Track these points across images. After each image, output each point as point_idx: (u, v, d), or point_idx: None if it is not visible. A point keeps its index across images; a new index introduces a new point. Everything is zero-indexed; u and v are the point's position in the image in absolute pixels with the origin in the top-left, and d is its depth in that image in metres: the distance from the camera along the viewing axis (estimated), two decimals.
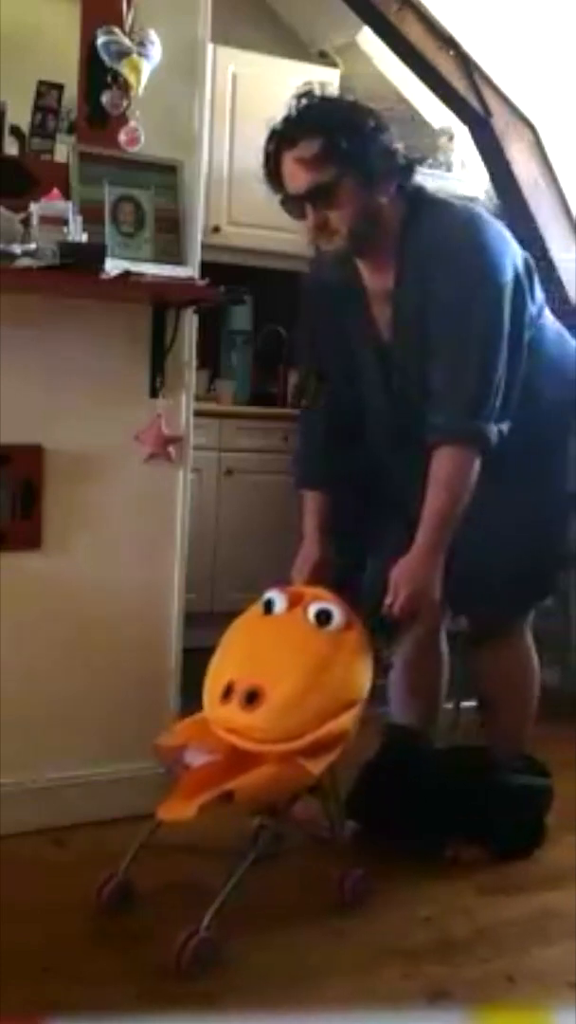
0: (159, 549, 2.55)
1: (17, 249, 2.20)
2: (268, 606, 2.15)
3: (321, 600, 2.12)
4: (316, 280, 2.44)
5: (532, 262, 2.32)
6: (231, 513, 3.92)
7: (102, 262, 2.23)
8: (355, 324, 2.35)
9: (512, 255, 2.23)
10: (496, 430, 2.17)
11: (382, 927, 2.11)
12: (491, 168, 4.10)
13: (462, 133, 4.37)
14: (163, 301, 2.44)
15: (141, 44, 2.37)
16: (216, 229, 4.01)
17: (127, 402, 2.48)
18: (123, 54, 2.35)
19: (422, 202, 2.25)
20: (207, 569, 3.69)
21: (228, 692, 2.02)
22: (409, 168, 2.23)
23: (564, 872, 2.39)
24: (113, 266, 2.26)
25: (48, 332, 2.38)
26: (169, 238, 2.46)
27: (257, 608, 2.18)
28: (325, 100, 2.19)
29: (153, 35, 2.39)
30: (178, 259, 2.46)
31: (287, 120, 2.17)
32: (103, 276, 2.23)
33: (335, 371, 2.41)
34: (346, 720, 2.00)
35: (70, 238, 2.23)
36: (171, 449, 2.50)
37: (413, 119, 4.71)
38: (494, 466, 2.19)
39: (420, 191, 2.27)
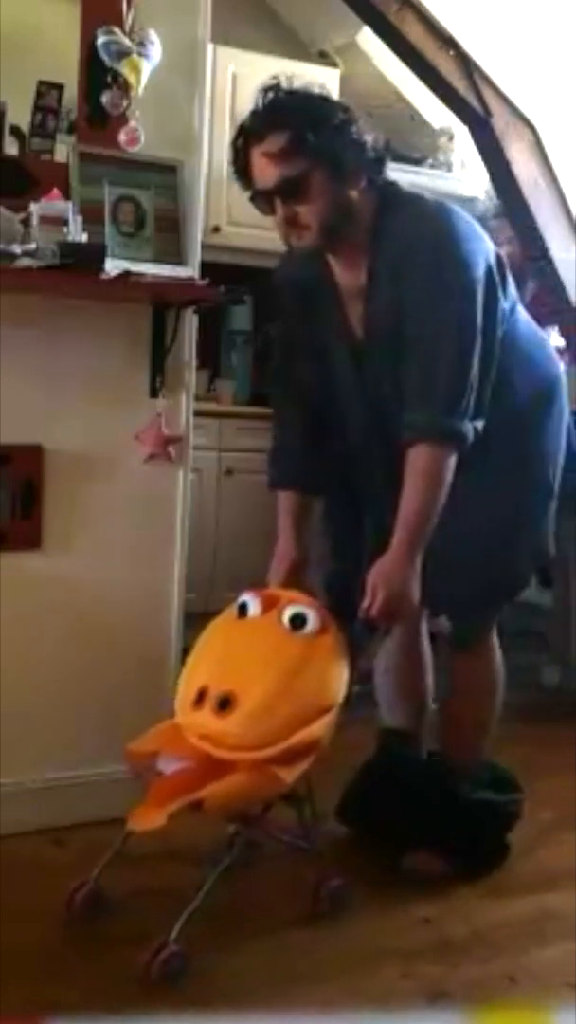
0: (159, 549, 2.55)
1: (17, 249, 2.20)
2: (242, 609, 2.11)
3: (296, 603, 2.08)
4: (287, 277, 2.39)
5: (504, 258, 2.29)
6: (231, 513, 3.92)
7: (102, 262, 2.23)
8: (328, 321, 2.31)
9: (484, 251, 2.20)
10: (471, 427, 2.14)
11: (381, 928, 2.11)
12: (491, 168, 4.11)
13: (462, 133, 4.38)
14: (163, 301, 2.44)
15: (141, 44, 2.37)
16: (216, 229, 4.01)
17: (127, 402, 2.48)
18: (123, 54, 2.36)
19: (394, 197, 2.22)
20: (207, 569, 3.68)
21: (201, 698, 1.98)
22: (379, 161, 2.19)
23: (563, 873, 2.38)
24: (113, 266, 2.26)
25: (48, 332, 2.38)
26: (169, 238, 2.46)
27: (231, 611, 2.14)
28: (292, 93, 2.15)
29: (153, 35, 2.39)
30: (178, 259, 2.46)
31: (254, 114, 2.15)
32: (103, 276, 2.23)
33: (309, 369, 2.37)
34: (319, 727, 1.96)
35: (70, 238, 2.24)
36: (171, 449, 2.50)
37: (413, 119, 4.73)
38: (469, 464, 2.15)
39: (391, 185, 2.24)
